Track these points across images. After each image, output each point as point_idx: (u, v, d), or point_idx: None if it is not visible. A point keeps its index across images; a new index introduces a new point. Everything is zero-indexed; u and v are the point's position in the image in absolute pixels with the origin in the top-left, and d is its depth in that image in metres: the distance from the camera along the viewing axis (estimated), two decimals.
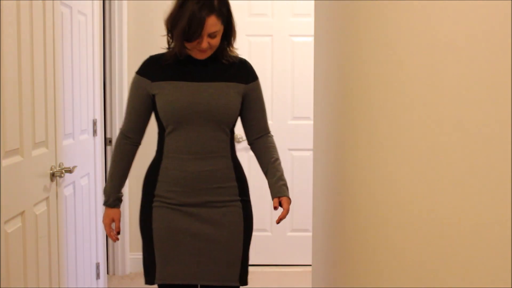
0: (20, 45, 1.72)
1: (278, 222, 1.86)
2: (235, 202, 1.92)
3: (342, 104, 1.66)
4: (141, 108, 1.92)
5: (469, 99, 0.72)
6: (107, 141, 3.51)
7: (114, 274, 3.64)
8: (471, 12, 0.72)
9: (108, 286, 3.35)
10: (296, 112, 3.74)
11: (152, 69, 1.91)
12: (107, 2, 3.46)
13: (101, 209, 3.00)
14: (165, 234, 1.88)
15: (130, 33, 3.56)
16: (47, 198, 1.99)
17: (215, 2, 1.78)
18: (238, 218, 1.92)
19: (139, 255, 3.69)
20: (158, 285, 1.94)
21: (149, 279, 1.93)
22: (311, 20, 3.47)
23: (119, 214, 1.98)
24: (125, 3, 3.50)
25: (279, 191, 1.91)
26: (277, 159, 1.98)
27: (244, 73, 1.95)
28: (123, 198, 2.01)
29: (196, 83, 1.87)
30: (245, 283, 1.96)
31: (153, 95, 1.89)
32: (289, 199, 1.91)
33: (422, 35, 0.91)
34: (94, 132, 2.91)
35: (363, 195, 1.34)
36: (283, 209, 1.88)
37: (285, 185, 1.93)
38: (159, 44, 3.68)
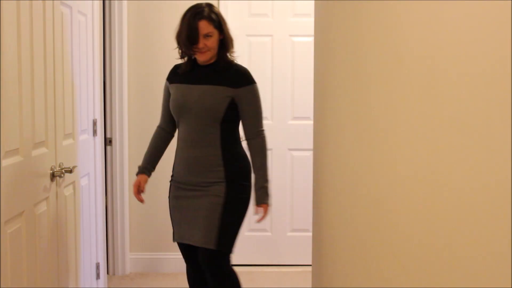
0: (20, 45, 1.72)
1: (258, 221, 2.38)
2: (220, 183, 2.30)
3: (342, 104, 1.66)
4: (168, 105, 2.42)
5: (469, 99, 0.72)
6: (107, 141, 3.50)
7: (114, 274, 3.64)
8: (472, 11, 0.72)
9: (108, 286, 3.35)
10: (296, 112, 3.73)
11: (171, 74, 2.44)
12: (107, 2, 3.46)
13: (101, 209, 3.00)
14: (172, 205, 2.42)
15: (130, 33, 3.55)
16: (47, 198, 1.99)
17: (206, 10, 2.23)
18: (219, 194, 2.29)
19: (139, 255, 3.69)
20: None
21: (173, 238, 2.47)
22: (311, 20, 3.46)
23: (146, 178, 2.47)
24: (125, 3, 3.50)
25: (258, 199, 2.37)
26: (259, 166, 2.37)
27: (235, 78, 2.30)
28: (152, 172, 2.50)
29: (191, 85, 2.31)
30: (226, 250, 2.31)
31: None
32: (267, 204, 2.37)
33: (423, 34, 0.91)
34: (94, 132, 2.91)
35: (363, 195, 1.34)
36: (263, 213, 2.37)
37: (265, 190, 2.36)
38: (159, 44, 3.70)
